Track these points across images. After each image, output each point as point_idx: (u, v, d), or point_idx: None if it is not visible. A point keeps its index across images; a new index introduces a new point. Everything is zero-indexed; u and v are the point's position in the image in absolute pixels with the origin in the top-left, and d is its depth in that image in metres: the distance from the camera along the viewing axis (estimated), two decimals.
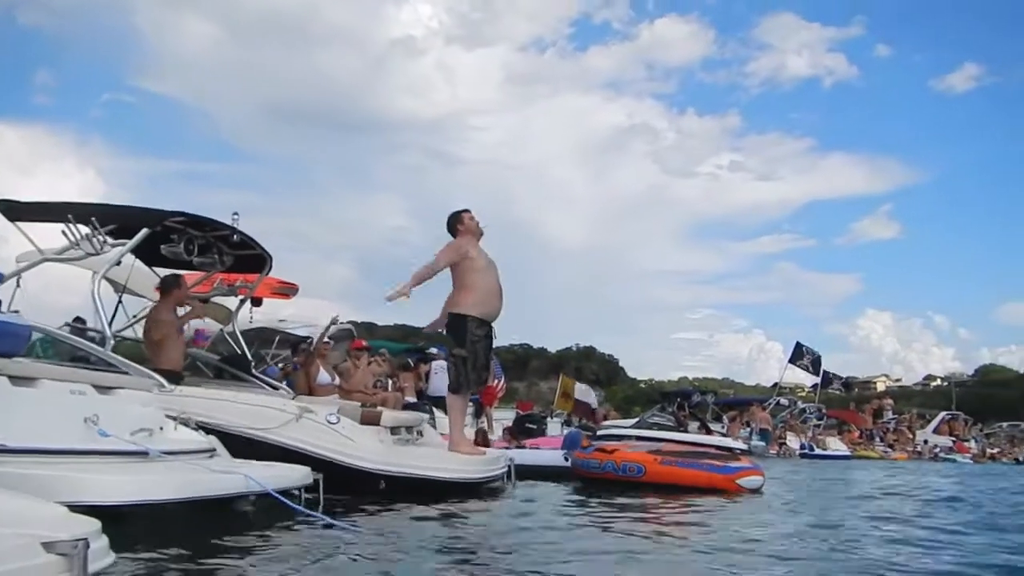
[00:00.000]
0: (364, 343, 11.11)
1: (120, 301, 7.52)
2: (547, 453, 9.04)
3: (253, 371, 7.17)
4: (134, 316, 7.45)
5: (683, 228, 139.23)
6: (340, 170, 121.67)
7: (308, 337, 11.11)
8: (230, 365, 7.13)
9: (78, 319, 7.68)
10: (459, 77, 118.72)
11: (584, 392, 16.49)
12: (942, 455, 21.83)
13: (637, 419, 17.30)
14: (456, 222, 6.62)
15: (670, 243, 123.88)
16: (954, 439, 24.15)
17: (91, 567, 1.76)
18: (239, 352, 7.46)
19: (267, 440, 5.30)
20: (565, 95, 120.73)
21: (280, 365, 11.35)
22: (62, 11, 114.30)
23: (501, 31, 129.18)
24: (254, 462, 4.08)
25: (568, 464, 8.28)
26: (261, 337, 10.73)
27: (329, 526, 3.97)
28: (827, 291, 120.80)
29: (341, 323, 13.57)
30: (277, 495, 3.88)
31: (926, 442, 23.59)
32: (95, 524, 1.88)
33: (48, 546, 1.71)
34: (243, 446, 4.98)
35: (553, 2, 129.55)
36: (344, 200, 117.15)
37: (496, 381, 13.94)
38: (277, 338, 11.57)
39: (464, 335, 6.26)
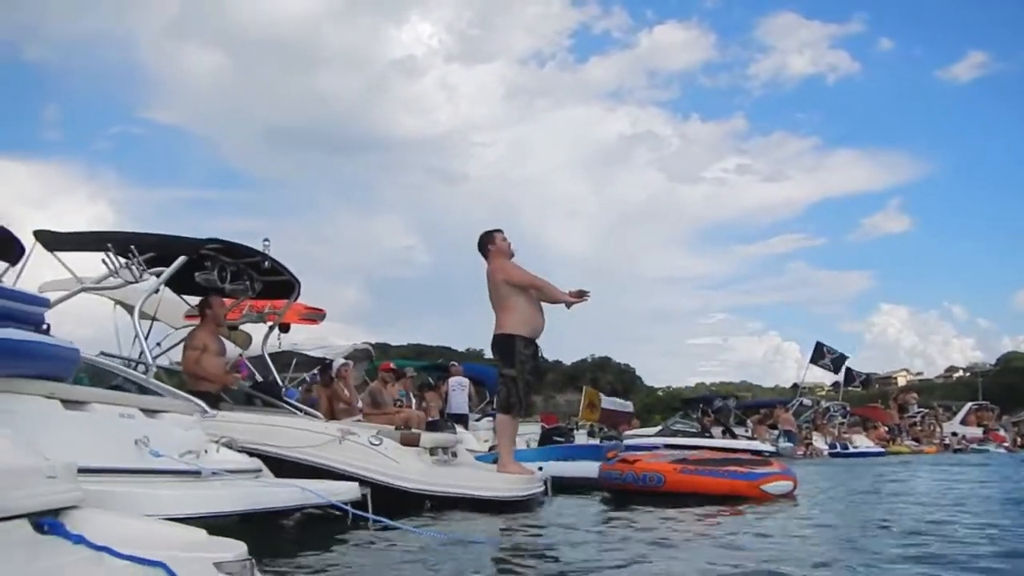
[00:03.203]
0: (392, 365, 11.09)
1: (149, 330, 7.55)
2: (580, 465, 8.95)
3: (283, 396, 7.17)
4: (158, 344, 7.47)
5: (692, 233, 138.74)
6: (344, 192, 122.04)
7: (326, 359, 11.18)
8: (261, 391, 7.12)
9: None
10: (460, 94, 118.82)
11: (617, 402, 16.58)
12: (973, 447, 21.62)
13: (660, 427, 17.37)
14: (488, 242, 6.55)
15: (679, 249, 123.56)
16: (984, 429, 23.93)
17: None
18: (269, 378, 7.45)
19: (313, 463, 5.25)
20: (567, 106, 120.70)
21: (300, 387, 11.42)
22: (66, 46, 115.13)
23: (500, 46, 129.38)
24: (296, 480, 4.08)
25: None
26: (279, 362, 10.79)
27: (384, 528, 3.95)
28: (840, 289, 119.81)
29: (358, 344, 13.67)
30: (341, 504, 3.90)
31: (954, 434, 23.38)
32: (243, 545, 1.94)
33: (219, 566, 1.77)
34: (287, 470, 4.94)
35: (551, 14, 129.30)
36: (349, 222, 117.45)
37: None
38: (295, 361, 11.64)
39: (512, 355, 6.22)
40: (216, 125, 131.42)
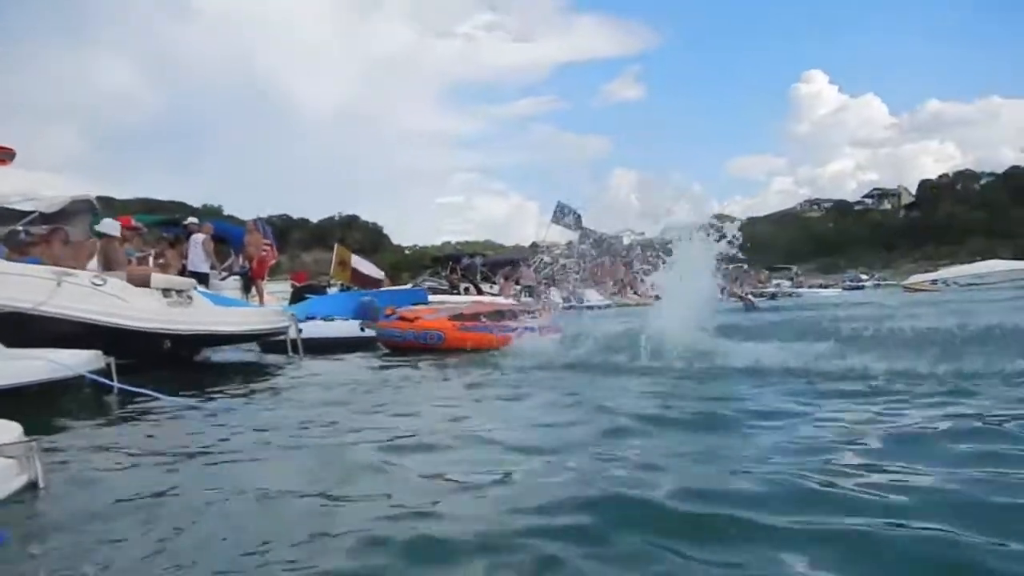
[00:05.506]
0: (133, 222, 10.04)
1: None
2: (340, 324, 8.86)
3: None
4: None
5: (441, 90, 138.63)
6: (52, 14, 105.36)
7: (34, 212, 9.84)
8: None
9: None
10: None
11: (366, 265, 16.51)
12: None
13: (410, 285, 17.69)
14: None
15: (428, 106, 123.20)
16: None
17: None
18: None
19: (30, 312, 4.62)
20: None
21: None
22: None
23: None
24: (37, 350, 3.58)
25: (364, 334, 8.22)
26: None
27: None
28: (581, 152, 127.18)
29: (77, 195, 12.17)
30: (95, 377, 3.55)
31: None
32: (19, 428, 1.70)
33: None
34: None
35: None
36: (58, 52, 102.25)
37: (266, 247, 13.31)
38: None
39: None
40: None
